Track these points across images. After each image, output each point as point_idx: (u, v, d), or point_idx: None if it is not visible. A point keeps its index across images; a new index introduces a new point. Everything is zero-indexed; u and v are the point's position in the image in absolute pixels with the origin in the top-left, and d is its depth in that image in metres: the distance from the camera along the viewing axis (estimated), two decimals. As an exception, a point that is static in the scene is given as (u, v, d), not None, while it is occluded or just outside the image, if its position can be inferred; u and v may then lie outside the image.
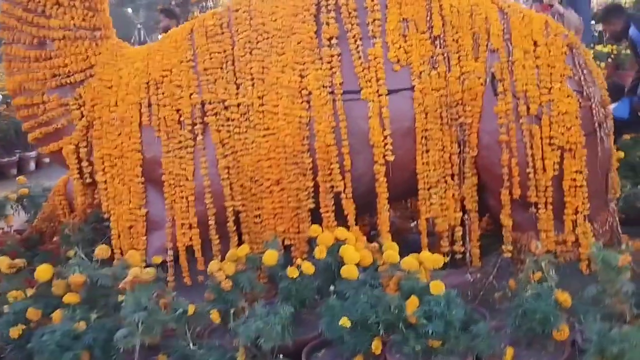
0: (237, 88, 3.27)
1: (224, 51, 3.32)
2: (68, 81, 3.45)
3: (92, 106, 3.43)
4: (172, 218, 3.29)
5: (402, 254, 2.83)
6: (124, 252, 3.31)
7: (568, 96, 3.12)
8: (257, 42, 3.30)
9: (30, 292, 2.94)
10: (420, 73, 3.16)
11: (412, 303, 2.45)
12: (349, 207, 3.19)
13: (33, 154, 7.76)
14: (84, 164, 3.48)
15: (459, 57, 3.17)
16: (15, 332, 2.68)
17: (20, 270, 3.13)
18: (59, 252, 3.57)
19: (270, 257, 2.90)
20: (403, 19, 3.24)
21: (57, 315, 2.69)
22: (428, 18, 3.24)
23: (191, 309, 2.63)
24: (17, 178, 4.93)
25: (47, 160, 7.41)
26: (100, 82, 3.43)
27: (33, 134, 3.59)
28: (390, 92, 3.15)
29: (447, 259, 3.28)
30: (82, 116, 3.45)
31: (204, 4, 9.05)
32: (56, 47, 3.44)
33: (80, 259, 2.91)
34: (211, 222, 3.27)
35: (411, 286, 2.58)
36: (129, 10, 20.02)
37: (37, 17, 3.42)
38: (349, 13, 3.25)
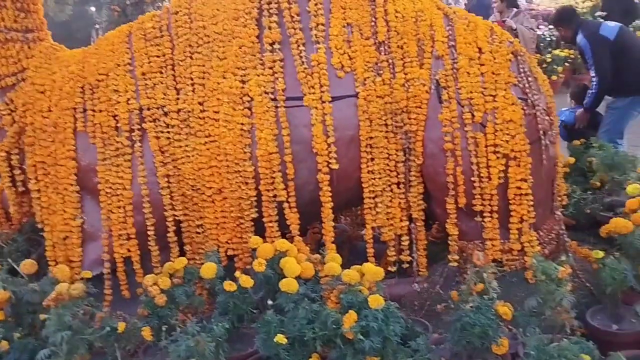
0: (177, 93, 3.16)
1: (163, 55, 3.21)
2: (-2, 85, 3.29)
3: (24, 111, 3.26)
4: (109, 229, 3.16)
5: (353, 262, 2.75)
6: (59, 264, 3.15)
7: (512, 104, 3.09)
8: (198, 46, 3.20)
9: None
10: (365, 80, 3.10)
11: (350, 318, 2.37)
12: (292, 217, 3.10)
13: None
14: (16, 171, 3.33)
15: (403, 64, 3.12)
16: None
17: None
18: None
19: (208, 269, 2.79)
20: (347, 24, 3.17)
21: (-23, 334, 2.55)
22: (372, 23, 3.19)
23: (121, 327, 2.51)
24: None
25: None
26: (32, 86, 3.27)
27: (-37, 140, 3.41)
28: (334, 99, 3.08)
29: (395, 268, 3.25)
30: (14, 122, 3.29)
31: (160, 4, 8.86)
32: (-15, 49, 3.28)
33: (7, 274, 2.77)
34: (150, 232, 3.15)
35: (351, 300, 2.51)
36: (92, 8, 19.60)
37: (-34, 18, 3.25)
38: (292, 17, 3.16)
